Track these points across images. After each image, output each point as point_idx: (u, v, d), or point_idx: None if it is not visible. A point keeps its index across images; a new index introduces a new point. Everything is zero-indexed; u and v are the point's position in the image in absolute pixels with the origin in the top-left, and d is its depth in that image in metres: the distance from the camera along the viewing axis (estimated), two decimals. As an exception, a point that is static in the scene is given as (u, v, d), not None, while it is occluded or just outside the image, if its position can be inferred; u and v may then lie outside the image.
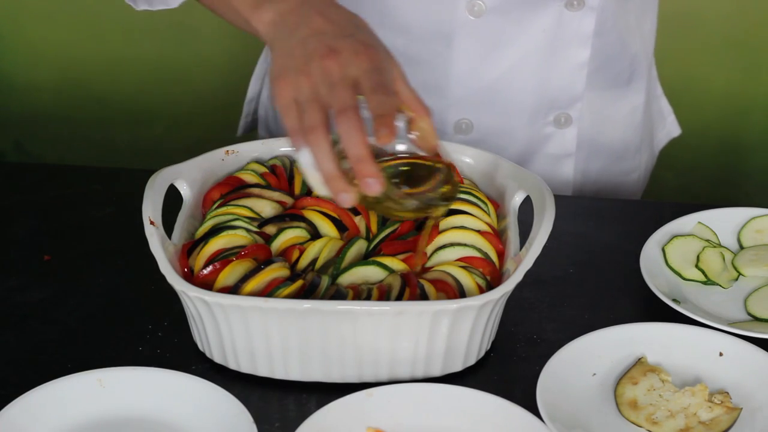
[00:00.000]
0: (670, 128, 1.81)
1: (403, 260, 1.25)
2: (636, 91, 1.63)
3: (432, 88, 1.52)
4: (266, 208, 1.32)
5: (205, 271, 1.22)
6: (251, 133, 1.80)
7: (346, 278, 1.23)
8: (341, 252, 1.25)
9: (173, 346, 1.27)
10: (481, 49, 1.51)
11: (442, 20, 1.49)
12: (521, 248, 1.25)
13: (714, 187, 2.52)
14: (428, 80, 1.52)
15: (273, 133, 1.74)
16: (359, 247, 1.27)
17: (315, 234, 1.30)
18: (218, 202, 1.33)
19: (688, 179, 2.52)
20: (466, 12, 1.48)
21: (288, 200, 1.34)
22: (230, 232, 1.26)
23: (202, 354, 1.25)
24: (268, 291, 1.19)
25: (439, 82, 1.53)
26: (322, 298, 1.19)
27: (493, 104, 1.55)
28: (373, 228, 1.31)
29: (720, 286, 1.37)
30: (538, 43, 1.51)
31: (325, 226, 1.30)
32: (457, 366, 1.22)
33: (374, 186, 1.09)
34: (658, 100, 1.77)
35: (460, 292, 1.21)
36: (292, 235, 1.28)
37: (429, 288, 1.21)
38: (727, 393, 1.19)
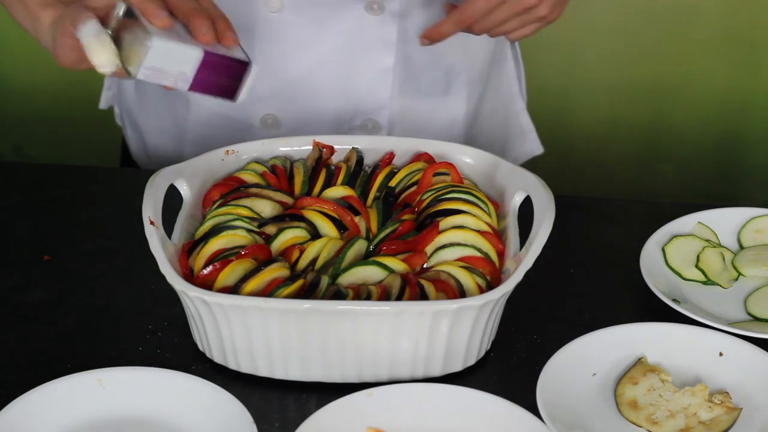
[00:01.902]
0: (531, 146, 1.79)
1: (403, 260, 1.25)
2: (455, 101, 1.62)
3: None
4: (266, 208, 1.32)
5: (205, 271, 1.22)
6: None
7: (346, 278, 1.23)
8: (341, 252, 1.25)
9: (173, 346, 1.27)
10: (282, 46, 1.51)
11: (243, 14, 1.49)
12: (521, 248, 1.25)
13: (714, 182, 2.52)
14: None
15: (123, 108, 1.74)
16: (359, 247, 1.27)
17: (315, 234, 1.30)
18: (218, 202, 1.33)
19: (688, 174, 2.52)
20: (264, 7, 1.48)
21: (288, 200, 1.34)
22: (230, 232, 1.26)
23: (202, 354, 1.25)
24: (268, 291, 1.19)
25: None
26: (322, 298, 1.19)
27: (296, 102, 1.56)
28: (373, 228, 1.31)
29: (720, 286, 1.37)
30: (339, 45, 1.51)
31: (325, 226, 1.30)
32: (457, 366, 1.22)
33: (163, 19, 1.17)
34: (518, 116, 1.76)
35: (460, 292, 1.21)
36: (292, 235, 1.28)
37: (429, 288, 1.21)
38: (727, 393, 1.19)
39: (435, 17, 1.53)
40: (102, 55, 1.18)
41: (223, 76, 1.21)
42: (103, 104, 1.80)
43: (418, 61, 1.56)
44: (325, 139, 1.42)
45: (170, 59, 1.17)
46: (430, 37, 1.41)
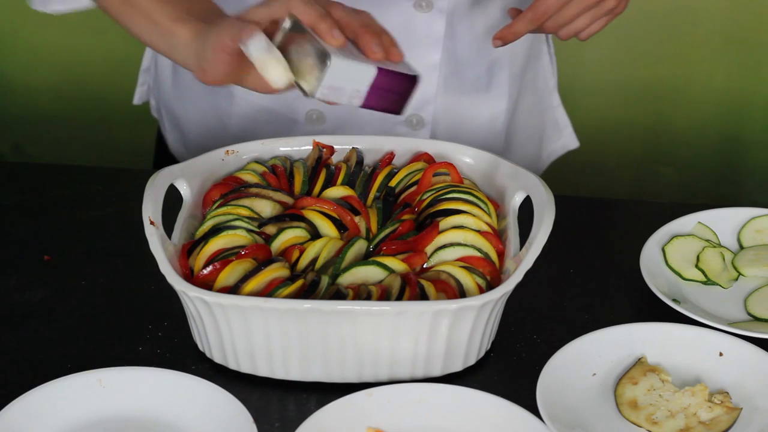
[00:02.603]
0: (566, 140, 1.80)
1: (403, 260, 1.25)
2: (496, 98, 1.62)
3: None
4: (266, 208, 1.32)
5: (205, 271, 1.22)
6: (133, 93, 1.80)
7: (346, 278, 1.23)
8: (341, 252, 1.25)
9: (173, 346, 1.27)
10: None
11: None
12: (521, 248, 1.25)
13: (714, 183, 2.52)
14: None
15: (160, 101, 1.73)
16: (359, 247, 1.27)
17: (315, 234, 1.30)
18: (218, 202, 1.33)
19: (688, 175, 2.52)
20: None
21: (288, 200, 1.34)
22: (230, 232, 1.26)
23: (202, 354, 1.25)
24: (268, 291, 1.19)
25: None
26: (322, 298, 1.19)
27: None
28: (373, 228, 1.31)
29: (720, 286, 1.37)
30: None
31: (325, 226, 1.30)
32: (457, 366, 1.22)
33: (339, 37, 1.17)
34: (554, 110, 1.76)
35: (460, 292, 1.21)
36: (292, 235, 1.28)
37: (429, 288, 1.21)
38: (727, 393, 1.19)
39: (483, 14, 1.54)
40: (276, 71, 1.17)
41: (393, 91, 1.20)
42: (137, 100, 1.79)
43: (463, 57, 1.56)
44: (325, 139, 1.42)
45: (346, 77, 1.16)
46: (504, 37, 1.40)
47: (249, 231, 1.27)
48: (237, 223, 1.28)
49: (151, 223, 1.24)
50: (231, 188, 1.34)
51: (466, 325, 1.19)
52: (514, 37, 1.39)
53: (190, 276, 1.23)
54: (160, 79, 1.71)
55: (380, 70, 1.18)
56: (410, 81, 1.20)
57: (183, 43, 1.24)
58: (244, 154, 1.40)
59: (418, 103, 1.56)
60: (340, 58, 1.15)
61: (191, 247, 1.26)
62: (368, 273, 1.24)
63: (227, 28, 1.19)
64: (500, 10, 1.56)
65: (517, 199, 1.33)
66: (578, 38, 1.41)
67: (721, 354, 1.24)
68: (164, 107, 1.73)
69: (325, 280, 1.21)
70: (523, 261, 1.20)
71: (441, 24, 1.51)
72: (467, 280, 1.22)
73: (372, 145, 1.42)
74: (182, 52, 1.25)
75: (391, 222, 1.31)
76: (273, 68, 1.17)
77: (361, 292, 1.20)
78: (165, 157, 1.76)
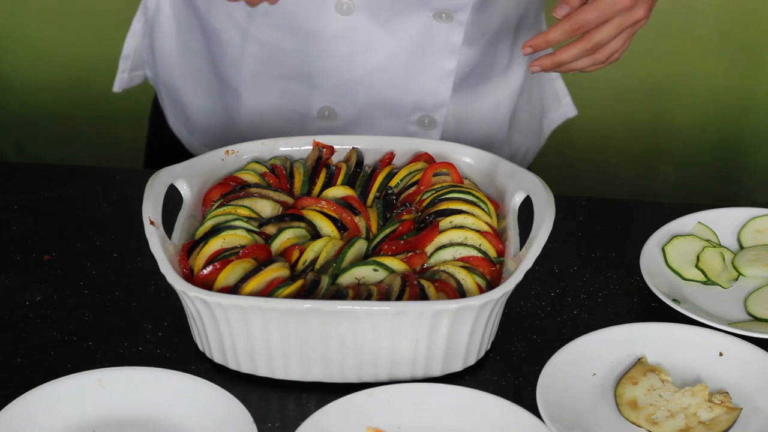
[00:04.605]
0: (565, 109, 1.80)
1: (403, 260, 1.25)
2: (505, 86, 1.63)
3: (297, 76, 1.54)
4: (266, 208, 1.32)
5: (205, 271, 1.22)
6: (135, 89, 1.80)
7: (346, 278, 1.23)
8: (341, 252, 1.25)
9: (173, 346, 1.27)
10: (349, 47, 1.51)
11: (311, 17, 1.49)
12: (521, 248, 1.25)
13: (713, 181, 2.52)
14: (294, 68, 1.54)
15: (159, 77, 1.72)
16: (359, 247, 1.27)
17: (315, 234, 1.30)
18: (218, 202, 1.33)
19: (688, 173, 2.52)
20: (335, 10, 1.48)
21: (288, 200, 1.34)
22: (230, 232, 1.26)
23: (202, 354, 1.25)
24: (268, 291, 1.19)
25: (306, 71, 1.54)
26: (322, 298, 1.19)
27: (356, 97, 1.56)
28: (373, 228, 1.31)
29: (720, 286, 1.37)
30: (404, 49, 1.51)
31: (325, 226, 1.30)
32: (457, 366, 1.22)
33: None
34: (554, 82, 1.77)
35: (460, 292, 1.21)
36: (292, 235, 1.28)
37: (429, 288, 1.21)
38: (727, 393, 1.19)
39: (496, 15, 1.53)
40: None
41: None
42: (117, 87, 1.78)
43: (476, 60, 1.56)
44: (325, 139, 1.42)
45: None
46: (536, 46, 1.35)
47: (249, 231, 1.27)
48: (237, 223, 1.28)
49: (151, 223, 1.24)
50: (231, 188, 1.34)
51: (466, 325, 1.19)
52: (546, 45, 1.35)
53: (190, 276, 1.23)
54: (160, 58, 1.69)
55: None
56: None
57: None
58: (244, 154, 1.40)
59: (431, 105, 1.56)
60: None
61: (191, 247, 1.26)
62: (368, 273, 1.24)
63: None
64: (513, 8, 1.56)
65: (517, 199, 1.32)
66: (609, 61, 1.36)
67: (721, 354, 1.24)
68: (164, 86, 1.71)
69: (325, 280, 1.22)
70: (523, 261, 1.20)
71: (459, 34, 1.50)
72: (467, 280, 1.22)
73: (372, 145, 1.42)
74: None
75: (391, 222, 1.31)
76: None
77: (361, 292, 1.20)
78: (161, 130, 1.75)
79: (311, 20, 1.49)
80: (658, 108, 2.49)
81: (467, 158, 1.40)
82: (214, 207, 1.32)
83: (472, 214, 1.30)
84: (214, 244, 1.25)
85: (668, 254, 1.39)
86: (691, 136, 2.50)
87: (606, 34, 1.32)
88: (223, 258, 1.23)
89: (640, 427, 1.17)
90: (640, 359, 1.24)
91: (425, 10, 1.48)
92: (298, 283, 1.20)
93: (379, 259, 1.24)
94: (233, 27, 1.55)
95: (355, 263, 1.24)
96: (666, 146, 2.51)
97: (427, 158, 1.40)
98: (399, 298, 1.19)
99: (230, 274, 1.21)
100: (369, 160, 1.42)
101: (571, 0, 1.32)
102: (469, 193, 1.32)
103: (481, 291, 1.22)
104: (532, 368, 1.21)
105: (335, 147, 1.42)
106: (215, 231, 1.26)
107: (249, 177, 1.36)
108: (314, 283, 1.21)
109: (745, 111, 2.48)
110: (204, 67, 1.62)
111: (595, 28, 1.31)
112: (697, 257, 1.38)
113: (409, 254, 1.26)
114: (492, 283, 1.24)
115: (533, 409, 1.14)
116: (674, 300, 1.31)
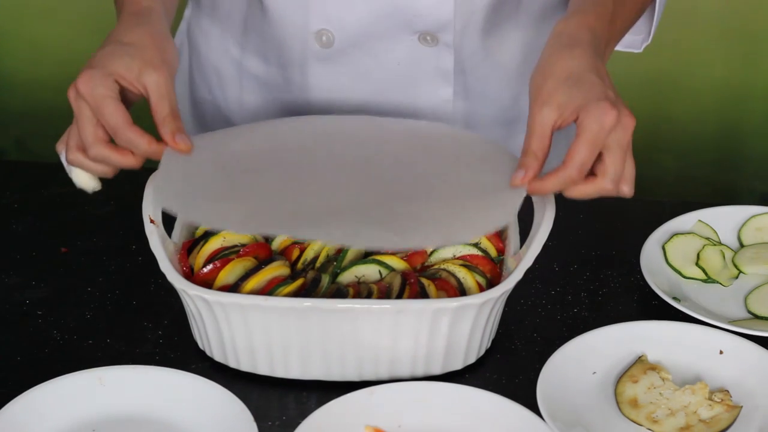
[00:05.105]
0: None
1: (403, 258, 1.25)
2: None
3: (292, 110, 1.52)
4: (266, 206, 1.32)
5: (205, 270, 1.22)
6: None
7: (347, 277, 1.23)
8: (342, 250, 1.25)
9: (173, 345, 1.27)
10: (338, 78, 1.48)
11: (295, 50, 1.47)
12: (521, 246, 1.25)
13: (713, 173, 2.52)
14: (288, 103, 1.52)
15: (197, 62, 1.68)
16: (359, 245, 1.27)
17: (315, 232, 1.30)
18: (218, 201, 1.33)
19: (688, 165, 2.52)
20: (315, 43, 1.46)
21: (288, 198, 1.34)
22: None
23: (203, 352, 1.25)
24: (269, 289, 1.19)
25: (299, 105, 1.52)
26: (323, 296, 1.19)
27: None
28: (374, 226, 1.31)
29: (720, 284, 1.37)
30: (395, 76, 1.48)
31: (326, 225, 1.30)
32: (458, 364, 1.22)
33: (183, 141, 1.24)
34: None
35: (460, 291, 1.21)
36: (292, 233, 1.28)
37: (429, 286, 1.21)
38: (728, 391, 1.19)
39: (499, 48, 1.50)
40: (81, 178, 1.35)
41: None
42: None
43: (482, 92, 1.53)
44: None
45: None
46: (533, 192, 1.21)
47: (249, 229, 1.27)
48: (237, 221, 1.28)
49: (151, 221, 1.24)
50: (231, 186, 1.34)
51: (466, 324, 1.19)
52: (543, 193, 1.21)
53: (190, 274, 1.23)
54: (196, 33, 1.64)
55: None
56: None
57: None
58: (244, 153, 1.40)
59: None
60: None
61: (191, 245, 1.26)
62: (368, 271, 1.24)
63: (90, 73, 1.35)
64: (518, 46, 1.51)
65: (518, 198, 1.32)
66: (619, 193, 1.25)
67: (721, 352, 1.24)
68: (198, 70, 1.65)
69: (325, 279, 1.22)
70: (523, 259, 1.20)
71: (449, 58, 1.46)
72: (467, 278, 1.22)
73: None
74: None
75: (392, 220, 1.31)
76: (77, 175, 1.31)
77: (362, 291, 1.20)
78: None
79: (294, 54, 1.48)
80: (658, 100, 2.48)
81: (467, 156, 1.40)
82: (214, 205, 1.32)
83: (473, 213, 1.30)
84: (215, 243, 1.25)
85: (668, 252, 1.39)
86: (690, 128, 2.49)
87: (615, 163, 1.26)
88: (223, 256, 1.23)
89: (641, 425, 1.17)
90: (640, 357, 1.24)
91: (409, 34, 1.44)
92: (299, 281, 1.20)
93: (379, 257, 1.24)
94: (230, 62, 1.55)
95: (355, 262, 1.24)
96: (666, 138, 2.51)
97: (428, 156, 1.40)
98: (399, 296, 1.19)
99: (230, 272, 1.21)
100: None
101: (529, 163, 1.19)
102: (469, 191, 1.32)
103: (482, 289, 1.22)
104: (532, 366, 1.21)
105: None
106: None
107: (249, 175, 1.36)
108: (314, 282, 1.21)
109: (744, 103, 2.48)
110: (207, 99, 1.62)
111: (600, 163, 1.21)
112: (698, 255, 1.38)
113: (409, 253, 1.26)
114: (492, 282, 1.24)
115: (534, 408, 1.14)
116: (674, 298, 1.31)
